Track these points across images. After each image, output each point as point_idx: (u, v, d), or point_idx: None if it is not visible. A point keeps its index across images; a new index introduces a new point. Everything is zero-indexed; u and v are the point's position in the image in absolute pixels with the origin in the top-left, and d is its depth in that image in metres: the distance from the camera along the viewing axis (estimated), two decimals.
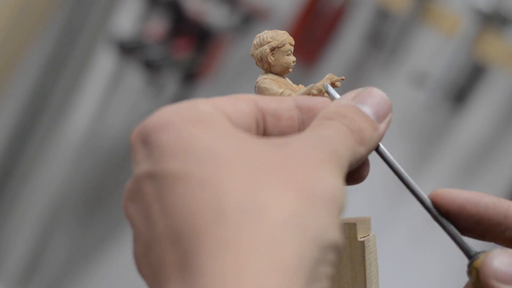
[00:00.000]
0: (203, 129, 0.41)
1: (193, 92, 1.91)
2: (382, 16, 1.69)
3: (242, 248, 0.38)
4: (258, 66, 0.56)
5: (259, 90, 0.54)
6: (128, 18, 1.94)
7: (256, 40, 0.55)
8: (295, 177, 0.40)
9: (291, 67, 0.55)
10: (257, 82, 0.54)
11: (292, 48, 0.55)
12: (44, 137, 2.00)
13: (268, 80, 0.54)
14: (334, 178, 0.41)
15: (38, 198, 2.02)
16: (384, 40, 1.68)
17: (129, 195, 0.42)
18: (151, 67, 1.84)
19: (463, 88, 1.61)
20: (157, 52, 1.84)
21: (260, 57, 0.55)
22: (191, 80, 1.87)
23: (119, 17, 1.95)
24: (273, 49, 0.55)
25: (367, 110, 0.47)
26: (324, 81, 0.55)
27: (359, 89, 0.48)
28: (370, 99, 0.48)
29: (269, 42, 0.55)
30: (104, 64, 1.96)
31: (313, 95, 0.53)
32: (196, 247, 0.39)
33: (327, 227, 0.40)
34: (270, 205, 0.39)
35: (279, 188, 0.40)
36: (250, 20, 1.84)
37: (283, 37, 0.55)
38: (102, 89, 1.99)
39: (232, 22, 1.84)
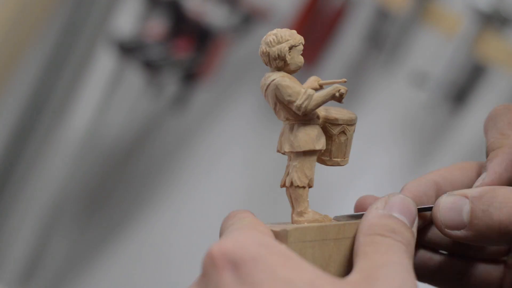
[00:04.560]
0: (296, 271, 0.45)
1: (193, 92, 1.91)
2: (382, 16, 1.69)
3: None
4: (268, 64, 0.55)
5: (281, 88, 0.54)
6: (128, 18, 1.94)
7: (271, 38, 0.54)
8: None
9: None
10: (275, 80, 0.54)
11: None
12: (44, 137, 2.00)
13: (287, 79, 0.54)
14: None
15: (38, 198, 2.02)
16: (384, 40, 1.68)
17: None
18: (151, 67, 1.84)
19: (463, 88, 1.60)
20: (157, 52, 1.84)
21: (278, 55, 0.54)
22: (191, 80, 1.87)
23: (119, 17, 1.95)
24: (291, 48, 0.55)
25: (404, 219, 0.51)
26: (332, 91, 0.55)
27: (385, 197, 0.52)
28: (401, 206, 0.52)
29: (288, 40, 0.54)
30: (104, 64, 1.96)
31: (336, 98, 0.54)
32: None
33: None
34: None
35: None
36: (250, 20, 1.84)
37: (299, 36, 0.55)
38: (102, 89, 1.99)
39: (232, 22, 1.84)
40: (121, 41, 1.86)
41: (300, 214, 0.55)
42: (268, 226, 0.53)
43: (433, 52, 1.64)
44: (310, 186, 0.55)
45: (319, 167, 0.58)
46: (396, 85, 1.70)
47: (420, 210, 0.55)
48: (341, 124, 0.56)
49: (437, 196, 0.56)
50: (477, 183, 0.55)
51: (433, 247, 0.59)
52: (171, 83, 1.91)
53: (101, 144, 2.06)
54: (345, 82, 0.55)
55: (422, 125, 1.68)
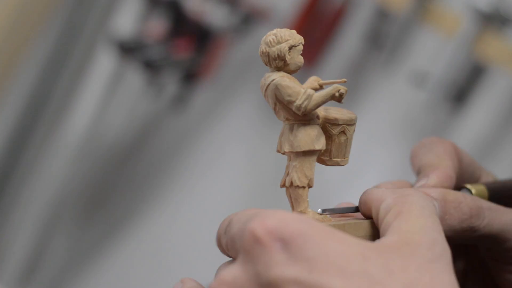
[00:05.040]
0: (345, 244, 0.45)
1: (193, 92, 1.91)
2: (382, 16, 1.69)
3: None
4: (268, 64, 0.55)
5: (280, 88, 0.54)
6: (128, 18, 1.94)
7: (270, 38, 0.54)
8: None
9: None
10: (274, 80, 0.54)
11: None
12: (44, 137, 2.00)
13: (287, 79, 0.54)
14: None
15: (38, 198, 2.02)
16: (384, 40, 1.68)
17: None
18: (151, 67, 1.84)
19: (463, 88, 1.60)
20: (157, 52, 1.84)
21: (278, 55, 0.54)
22: (191, 80, 1.87)
23: (119, 17, 1.95)
24: (291, 48, 0.55)
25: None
26: (332, 91, 0.55)
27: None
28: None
29: (287, 40, 0.54)
30: (104, 64, 1.96)
31: (336, 98, 0.55)
32: None
33: None
34: None
35: None
36: (250, 20, 1.84)
37: (299, 36, 0.55)
38: (102, 89, 1.99)
39: (232, 22, 1.84)
40: (121, 41, 1.86)
41: (300, 214, 0.55)
42: None
43: (433, 52, 1.64)
44: (310, 186, 0.55)
45: (319, 167, 0.58)
46: (396, 85, 1.70)
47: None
48: (341, 124, 0.56)
49: None
50: (420, 182, 0.57)
51: None
52: (171, 83, 1.91)
53: (101, 144, 2.06)
54: (345, 82, 0.55)
55: (422, 125, 1.68)
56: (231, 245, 0.48)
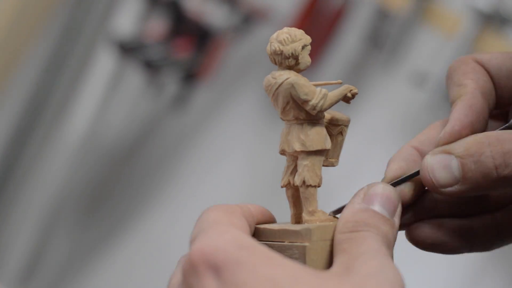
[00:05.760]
0: (278, 268, 0.45)
1: (193, 92, 1.91)
2: (382, 16, 1.69)
3: None
4: (278, 63, 0.55)
5: (297, 87, 0.53)
6: (128, 18, 1.94)
7: (284, 36, 0.54)
8: None
9: None
10: (290, 78, 0.54)
11: None
12: (44, 137, 2.00)
13: (302, 77, 0.54)
14: None
15: (38, 198, 2.02)
16: (384, 40, 1.68)
17: None
18: (151, 67, 1.84)
19: None
20: (157, 52, 1.84)
21: (292, 53, 0.54)
22: (191, 80, 1.87)
23: (119, 17, 1.95)
24: (303, 47, 0.54)
25: (381, 209, 0.51)
26: (345, 91, 0.55)
27: (364, 189, 0.52)
28: (379, 197, 0.52)
29: (301, 39, 0.54)
30: (104, 64, 1.96)
31: (347, 98, 0.55)
32: None
33: None
34: None
35: None
36: (250, 20, 1.84)
37: (308, 36, 0.55)
38: (102, 89, 1.99)
39: (232, 22, 1.84)
40: (121, 41, 1.86)
41: (312, 213, 0.55)
42: (275, 226, 0.53)
43: (433, 52, 1.64)
44: (319, 185, 0.55)
45: None
46: (396, 85, 1.71)
47: (409, 177, 0.55)
48: (340, 125, 0.56)
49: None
50: (441, 133, 0.55)
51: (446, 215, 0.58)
52: (171, 83, 1.91)
53: (101, 144, 2.06)
54: (340, 83, 0.55)
55: (422, 125, 1.68)
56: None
